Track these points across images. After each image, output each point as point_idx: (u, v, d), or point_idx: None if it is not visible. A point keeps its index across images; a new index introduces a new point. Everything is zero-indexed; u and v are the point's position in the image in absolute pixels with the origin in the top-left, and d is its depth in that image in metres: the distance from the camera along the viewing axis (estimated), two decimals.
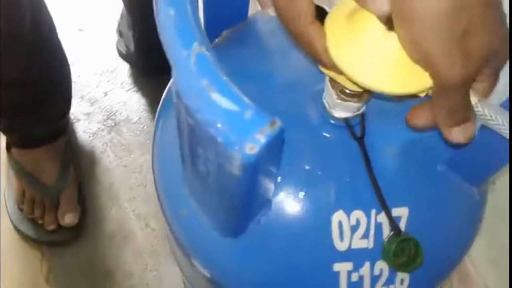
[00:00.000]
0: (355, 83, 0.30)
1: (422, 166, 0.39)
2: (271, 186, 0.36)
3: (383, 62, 0.28)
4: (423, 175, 0.39)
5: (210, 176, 0.29)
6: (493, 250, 0.66)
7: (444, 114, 0.29)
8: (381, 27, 0.27)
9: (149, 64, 0.88)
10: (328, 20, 0.30)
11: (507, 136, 0.30)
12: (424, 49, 0.26)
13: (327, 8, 0.37)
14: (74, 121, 0.92)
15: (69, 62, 0.82)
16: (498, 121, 0.29)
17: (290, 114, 0.40)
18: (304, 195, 0.38)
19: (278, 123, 0.23)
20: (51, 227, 0.80)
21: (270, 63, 0.43)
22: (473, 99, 0.30)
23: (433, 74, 0.27)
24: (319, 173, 0.38)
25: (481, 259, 0.68)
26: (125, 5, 0.84)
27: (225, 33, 0.46)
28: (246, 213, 0.35)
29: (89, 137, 0.91)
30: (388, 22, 0.27)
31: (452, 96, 0.27)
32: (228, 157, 0.24)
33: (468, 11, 0.25)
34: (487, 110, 0.30)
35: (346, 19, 0.29)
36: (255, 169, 0.25)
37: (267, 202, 0.37)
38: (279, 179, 0.38)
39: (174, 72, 0.25)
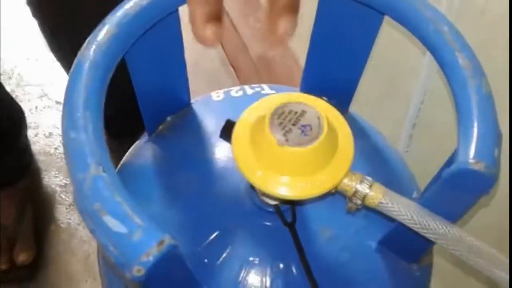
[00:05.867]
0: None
1: (357, 246, 0.40)
2: None
3: (290, 171, 0.29)
4: (358, 257, 0.40)
5: None
6: None
7: None
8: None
9: (124, 127, 0.89)
10: (234, 135, 0.32)
11: (415, 228, 0.31)
12: None
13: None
14: (51, 193, 0.93)
15: (47, 133, 0.83)
16: (403, 213, 0.30)
17: (224, 202, 0.41)
18: (240, 282, 0.38)
19: (167, 241, 0.24)
20: (4, 266, 0.81)
21: (209, 151, 0.44)
22: (378, 196, 0.31)
23: None
24: (254, 259, 0.39)
25: None
26: None
27: (169, 119, 0.48)
28: None
29: (66, 209, 0.92)
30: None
31: None
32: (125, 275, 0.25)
33: None
34: (395, 204, 0.30)
35: (250, 132, 0.30)
36: (155, 282, 0.26)
37: None
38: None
39: (74, 193, 0.26)
